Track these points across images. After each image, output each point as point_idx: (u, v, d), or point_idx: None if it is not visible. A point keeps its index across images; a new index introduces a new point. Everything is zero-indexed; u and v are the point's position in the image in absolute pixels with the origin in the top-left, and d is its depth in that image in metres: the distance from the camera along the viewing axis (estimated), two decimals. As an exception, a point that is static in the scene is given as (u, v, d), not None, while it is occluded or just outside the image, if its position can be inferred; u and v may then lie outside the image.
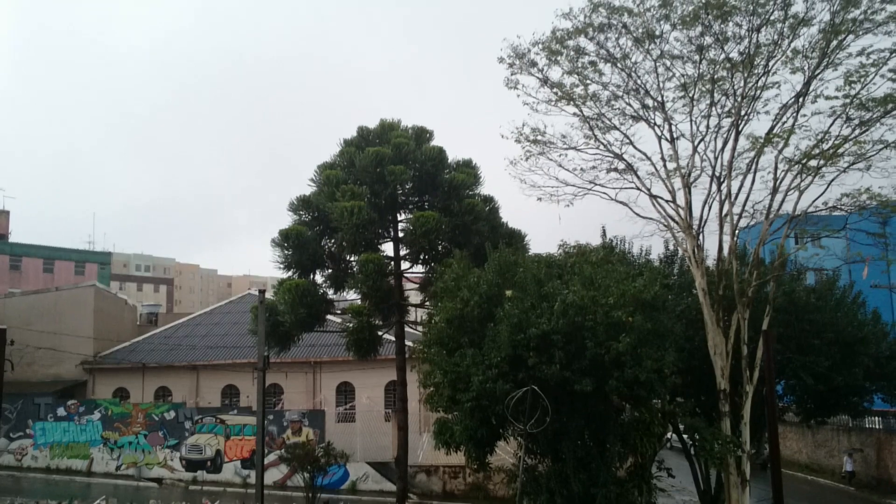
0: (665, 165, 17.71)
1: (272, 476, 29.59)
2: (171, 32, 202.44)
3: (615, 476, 15.21)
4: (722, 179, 17.09)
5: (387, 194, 23.14)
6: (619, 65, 17.31)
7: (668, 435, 18.21)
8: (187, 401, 35.56)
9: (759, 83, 16.44)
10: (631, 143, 18.05)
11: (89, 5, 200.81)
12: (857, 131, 15.58)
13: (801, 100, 16.18)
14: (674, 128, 17.66)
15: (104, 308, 41.27)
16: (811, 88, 16.03)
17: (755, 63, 16.20)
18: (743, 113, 16.66)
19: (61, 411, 34.41)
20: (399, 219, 24.53)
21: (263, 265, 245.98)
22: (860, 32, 15.24)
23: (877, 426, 31.03)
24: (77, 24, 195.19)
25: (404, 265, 24.47)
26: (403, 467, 24.64)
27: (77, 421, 34.06)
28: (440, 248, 22.83)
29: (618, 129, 18.09)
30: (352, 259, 23.90)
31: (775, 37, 16.01)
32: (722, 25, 16.14)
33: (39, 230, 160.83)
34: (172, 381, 37.86)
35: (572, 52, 17.39)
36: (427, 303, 23.18)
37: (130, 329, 43.87)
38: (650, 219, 18.02)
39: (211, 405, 35.13)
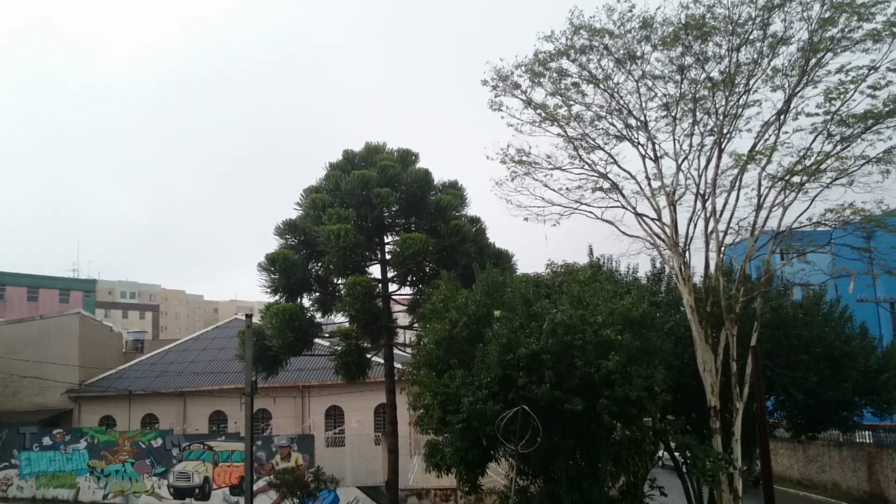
0: (650, 184, 17.81)
1: (261, 502, 29.19)
2: (156, 59, 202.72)
3: (607, 495, 15.15)
4: (706, 197, 17.20)
5: (373, 217, 23.13)
6: (601, 86, 17.46)
7: (660, 453, 18.17)
8: (174, 428, 35.12)
9: (741, 101, 16.61)
10: (615, 162, 18.17)
11: (72, 31, 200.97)
12: (838, 147, 15.72)
13: (782, 117, 16.36)
14: (657, 147, 17.77)
15: (89, 336, 40.76)
16: (792, 106, 16.22)
17: (736, 82, 16.39)
18: (725, 131, 16.81)
19: (47, 440, 33.83)
20: (386, 241, 24.48)
21: (250, 290, 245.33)
22: (838, 50, 15.46)
23: (867, 440, 31.09)
24: (61, 49, 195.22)
25: (392, 287, 24.39)
26: (394, 491, 24.41)
27: (63, 450, 33.49)
28: (427, 269, 22.78)
29: (602, 148, 18.20)
30: (339, 282, 23.83)
31: (755, 56, 16.22)
32: (702, 45, 16.33)
33: (23, 259, 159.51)
34: (159, 408, 37.42)
35: (555, 74, 17.54)
36: (415, 325, 23.09)
37: (116, 356, 43.33)
38: (636, 237, 18.11)
39: (198, 432, 34.71)
